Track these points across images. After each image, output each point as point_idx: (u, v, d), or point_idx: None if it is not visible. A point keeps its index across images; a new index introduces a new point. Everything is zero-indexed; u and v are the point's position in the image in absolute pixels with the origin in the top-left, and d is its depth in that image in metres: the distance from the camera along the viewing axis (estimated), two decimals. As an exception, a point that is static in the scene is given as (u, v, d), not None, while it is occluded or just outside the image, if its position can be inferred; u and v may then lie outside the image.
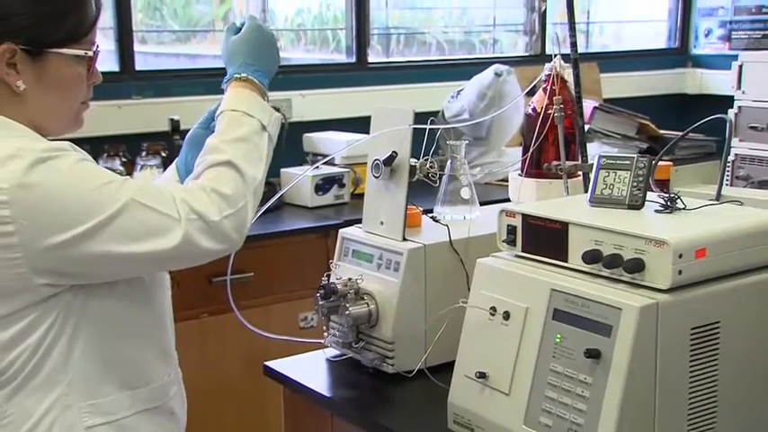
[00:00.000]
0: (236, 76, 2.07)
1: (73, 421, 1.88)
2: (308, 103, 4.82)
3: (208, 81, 4.49)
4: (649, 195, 2.00)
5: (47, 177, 1.73)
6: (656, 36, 6.48)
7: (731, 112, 4.78)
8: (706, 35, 6.26)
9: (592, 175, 2.04)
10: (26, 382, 1.86)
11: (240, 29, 2.16)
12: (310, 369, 2.42)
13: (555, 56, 2.60)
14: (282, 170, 4.31)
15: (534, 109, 2.59)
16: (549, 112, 2.54)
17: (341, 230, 2.48)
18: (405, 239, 2.31)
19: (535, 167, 2.61)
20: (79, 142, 1.92)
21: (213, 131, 2.04)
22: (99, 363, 1.90)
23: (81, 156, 1.83)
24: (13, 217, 1.71)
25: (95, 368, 1.90)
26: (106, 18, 1.84)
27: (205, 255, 1.86)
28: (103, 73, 2.00)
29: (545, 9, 5.73)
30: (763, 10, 5.84)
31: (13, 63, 1.81)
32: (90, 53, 1.90)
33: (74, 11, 1.86)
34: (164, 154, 4.20)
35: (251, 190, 1.91)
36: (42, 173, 1.73)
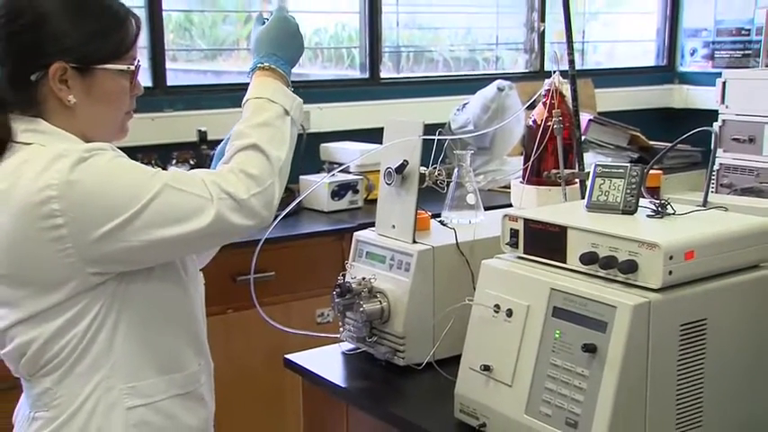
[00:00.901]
0: (260, 65, 2.06)
1: (114, 402, 1.90)
2: (324, 116, 4.82)
3: (233, 95, 4.46)
4: (642, 201, 1.99)
5: (88, 174, 1.76)
6: (646, 54, 6.48)
7: (716, 125, 4.77)
8: (691, 54, 6.27)
9: (588, 183, 2.03)
10: (74, 367, 1.88)
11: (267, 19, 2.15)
12: (327, 362, 2.42)
13: (554, 72, 2.60)
14: (301, 177, 4.31)
15: (535, 121, 2.59)
16: (549, 124, 2.54)
17: (355, 233, 2.48)
18: (415, 242, 2.30)
19: (536, 175, 2.61)
20: (115, 151, 1.92)
21: None
22: (138, 349, 1.92)
23: (117, 153, 1.85)
24: (62, 210, 1.75)
25: (135, 354, 1.91)
26: (141, 38, 1.87)
27: (237, 231, 1.87)
28: (137, 88, 2.00)
29: (543, 29, 5.73)
30: (743, 32, 5.86)
31: (65, 79, 1.85)
32: (132, 67, 1.93)
33: (116, 30, 1.89)
34: (192, 162, 4.20)
35: (276, 170, 1.91)
36: (84, 170, 1.76)
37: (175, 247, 1.87)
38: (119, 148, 2.00)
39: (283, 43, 2.09)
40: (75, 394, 1.89)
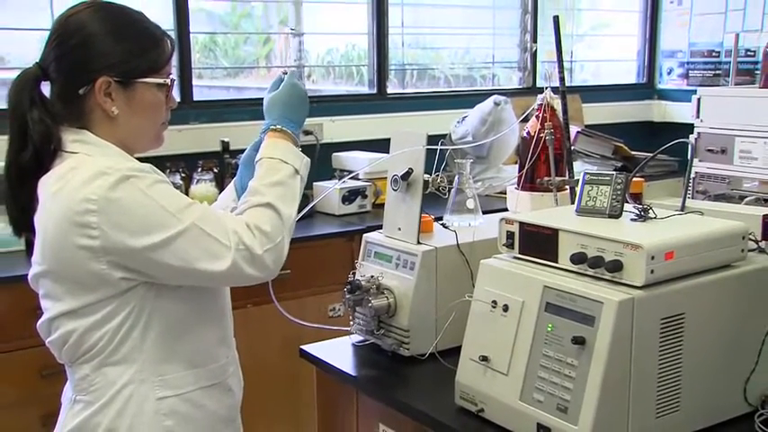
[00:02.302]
0: (273, 126, 2.07)
1: (147, 392, 1.90)
2: (336, 128, 4.81)
3: (253, 109, 4.49)
4: (626, 206, 1.99)
5: (128, 194, 1.77)
6: (628, 73, 6.47)
7: (692, 137, 4.76)
8: (668, 73, 6.27)
9: (578, 189, 2.03)
10: (109, 358, 1.89)
11: (280, 80, 2.16)
12: (338, 352, 2.41)
13: (545, 88, 2.60)
14: (315, 183, 4.30)
15: (529, 133, 2.59)
16: (541, 135, 2.53)
17: (364, 235, 2.47)
18: (419, 243, 2.30)
19: (529, 182, 2.60)
20: (146, 160, 1.93)
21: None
22: (169, 346, 1.92)
23: (159, 178, 1.85)
24: (97, 223, 1.76)
25: (166, 350, 1.92)
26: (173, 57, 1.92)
27: (247, 280, 1.88)
28: (166, 103, 2.01)
29: (536, 50, 5.72)
30: (713, 53, 5.88)
31: (109, 92, 1.88)
32: (168, 81, 1.96)
33: (153, 48, 1.93)
34: (216, 170, 4.21)
35: (287, 227, 1.93)
36: (124, 189, 1.77)
37: (189, 279, 1.87)
38: (147, 157, 2.01)
39: (293, 108, 2.11)
40: (111, 383, 1.89)
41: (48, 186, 1.85)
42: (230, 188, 2.28)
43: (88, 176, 1.78)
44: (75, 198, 1.77)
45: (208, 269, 1.82)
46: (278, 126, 2.07)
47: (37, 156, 1.87)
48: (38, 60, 1.92)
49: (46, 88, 1.93)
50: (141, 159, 1.92)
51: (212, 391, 2.00)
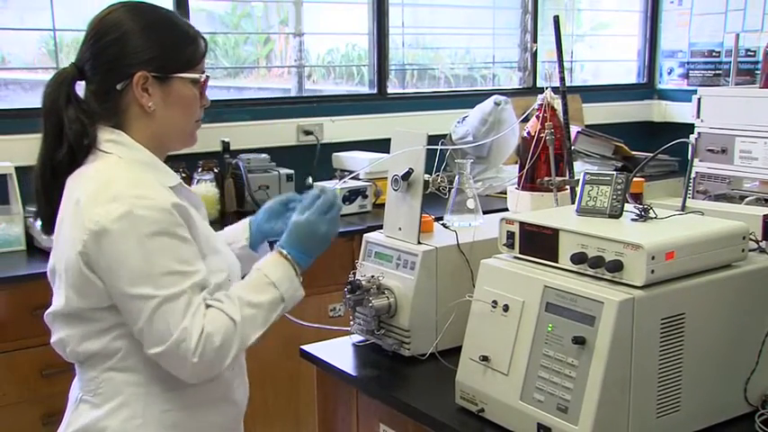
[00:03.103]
0: (281, 251, 2.01)
1: (152, 404, 1.90)
2: (336, 128, 4.82)
3: (253, 109, 4.50)
4: (626, 207, 1.99)
5: (124, 232, 1.77)
6: (628, 73, 6.47)
7: (692, 137, 4.76)
8: (668, 73, 6.27)
9: (578, 189, 2.03)
10: (116, 364, 1.89)
11: (317, 197, 2.07)
12: (339, 352, 2.41)
13: (546, 88, 2.60)
14: (315, 184, 4.27)
15: (529, 133, 2.59)
16: (542, 135, 2.53)
17: (365, 235, 2.47)
18: (419, 243, 2.30)
19: (530, 182, 2.61)
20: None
21: (290, 211, 2.15)
22: None
23: (168, 229, 1.81)
24: (86, 242, 1.79)
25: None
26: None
27: (167, 368, 1.84)
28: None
29: (536, 50, 5.72)
30: (714, 53, 5.88)
31: (146, 88, 1.90)
32: (203, 77, 1.98)
33: (188, 45, 1.96)
34: (216, 170, 4.19)
35: (235, 350, 1.86)
36: (124, 226, 1.77)
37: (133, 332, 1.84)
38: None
39: (314, 245, 2.03)
40: (117, 388, 1.90)
41: (75, 184, 1.88)
42: (244, 224, 2.28)
43: (105, 196, 1.79)
44: (88, 212, 1.79)
45: (142, 341, 1.81)
46: (286, 253, 2.00)
47: (71, 153, 1.89)
48: (73, 61, 1.95)
49: (76, 89, 1.95)
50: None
51: (217, 405, 2.00)
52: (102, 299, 1.83)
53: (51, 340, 1.96)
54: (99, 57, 1.90)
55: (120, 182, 1.82)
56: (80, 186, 1.85)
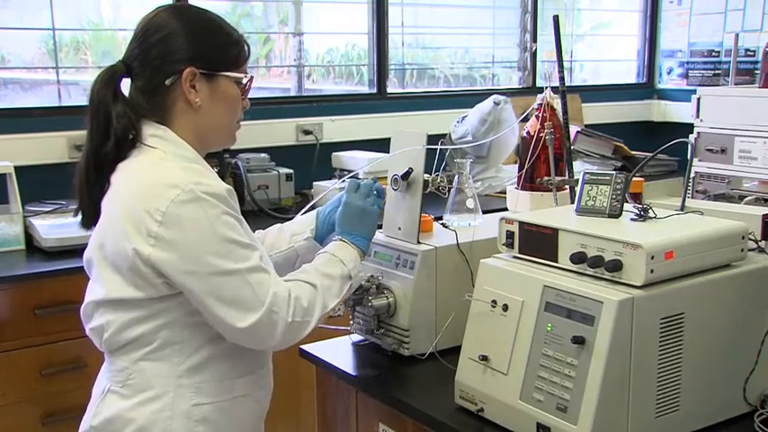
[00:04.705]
0: (340, 237, 2.12)
1: (182, 397, 1.92)
2: (336, 127, 4.82)
3: (253, 109, 4.47)
4: (626, 206, 1.99)
5: (194, 215, 1.82)
6: (628, 73, 6.47)
7: (692, 137, 4.76)
8: (668, 73, 6.27)
9: (578, 189, 2.03)
10: (149, 354, 1.92)
11: (358, 186, 2.21)
12: (338, 352, 2.41)
13: (545, 88, 2.60)
14: (315, 183, 4.31)
15: (528, 132, 2.59)
16: (541, 135, 2.53)
17: (365, 235, 2.46)
18: (419, 243, 2.30)
19: (529, 182, 2.60)
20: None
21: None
22: (210, 355, 1.95)
23: (229, 210, 1.88)
24: (157, 234, 1.82)
25: (206, 359, 1.94)
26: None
27: (258, 343, 1.93)
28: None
29: (535, 49, 5.73)
30: (713, 53, 5.89)
31: (194, 84, 1.95)
32: (247, 77, 2.04)
33: (235, 45, 2.02)
34: (216, 170, 4.18)
35: (318, 313, 1.96)
36: (193, 210, 1.82)
37: (206, 316, 1.88)
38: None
39: (355, 223, 2.15)
40: (147, 380, 1.92)
41: (124, 176, 1.92)
42: (312, 215, 2.31)
43: (162, 186, 1.83)
44: (146, 203, 1.82)
45: (227, 320, 1.84)
46: (346, 240, 2.12)
47: (118, 147, 1.94)
48: (121, 59, 2.00)
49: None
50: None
51: (244, 401, 2.02)
52: (158, 290, 1.86)
53: (88, 327, 1.99)
54: (149, 53, 1.95)
55: (174, 170, 1.88)
56: (128, 180, 1.90)
